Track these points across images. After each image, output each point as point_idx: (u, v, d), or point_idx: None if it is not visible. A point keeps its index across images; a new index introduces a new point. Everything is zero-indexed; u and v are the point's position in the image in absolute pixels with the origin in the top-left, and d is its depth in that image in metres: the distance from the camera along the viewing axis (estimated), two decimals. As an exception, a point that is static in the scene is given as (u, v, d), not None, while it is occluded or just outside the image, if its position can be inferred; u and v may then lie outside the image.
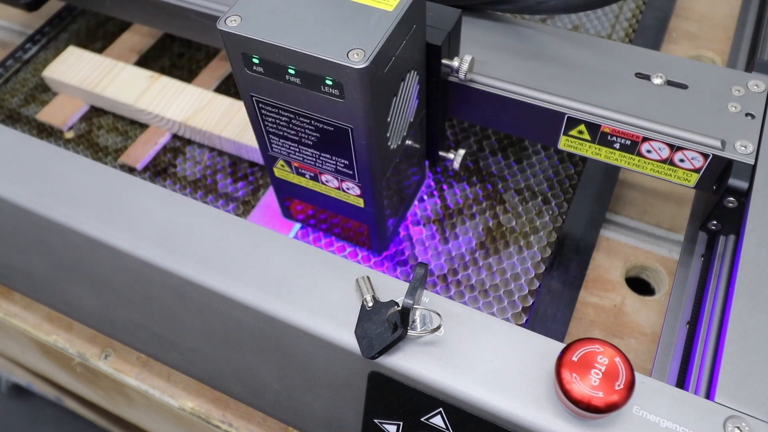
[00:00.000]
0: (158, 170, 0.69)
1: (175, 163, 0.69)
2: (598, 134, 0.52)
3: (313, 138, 0.47)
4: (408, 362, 0.39)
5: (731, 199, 0.48)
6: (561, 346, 0.38)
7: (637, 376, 0.36)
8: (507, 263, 0.59)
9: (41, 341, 0.63)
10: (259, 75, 0.43)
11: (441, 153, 0.59)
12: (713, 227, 0.51)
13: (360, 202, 0.52)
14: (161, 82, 0.72)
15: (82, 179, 0.49)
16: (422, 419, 0.40)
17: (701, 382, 0.42)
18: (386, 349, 0.38)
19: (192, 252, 0.44)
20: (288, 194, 0.57)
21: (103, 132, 0.73)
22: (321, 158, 0.49)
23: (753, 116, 0.51)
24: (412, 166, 0.57)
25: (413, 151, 0.55)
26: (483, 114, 0.56)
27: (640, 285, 0.62)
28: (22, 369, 0.97)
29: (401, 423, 0.42)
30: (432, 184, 0.65)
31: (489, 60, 0.56)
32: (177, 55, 0.79)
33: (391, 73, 0.43)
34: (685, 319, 0.51)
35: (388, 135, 0.47)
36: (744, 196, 0.48)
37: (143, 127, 0.72)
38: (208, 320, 0.46)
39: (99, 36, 0.82)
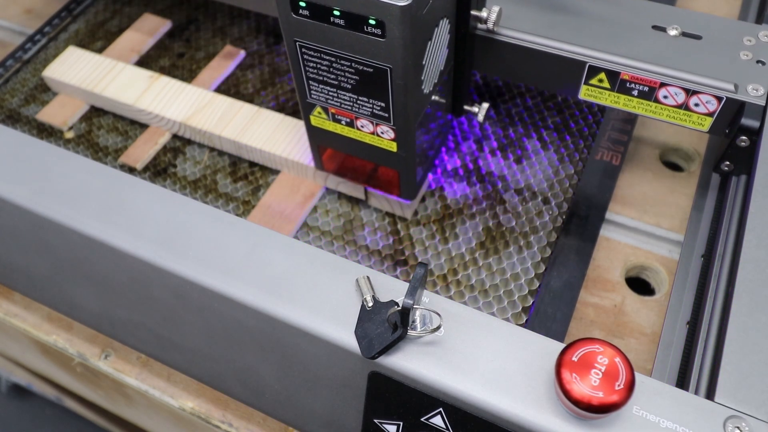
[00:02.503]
0: (158, 170, 0.69)
1: (175, 163, 0.69)
2: (617, 82, 0.55)
3: (352, 81, 0.50)
4: (408, 362, 0.39)
5: (744, 138, 0.52)
6: (561, 346, 0.38)
7: (637, 376, 0.36)
8: (507, 263, 0.59)
9: (41, 341, 0.63)
10: (304, 19, 0.46)
11: (465, 107, 0.62)
12: (726, 168, 0.56)
13: (393, 146, 0.54)
14: (161, 82, 0.72)
15: (82, 179, 0.49)
16: (422, 419, 0.40)
17: (701, 382, 0.42)
18: (386, 349, 0.38)
19: (192, 252, 0.44)
20: (322, 143, 0.59)
21: (103, 132, 0.73)
22: (358, 102, 0.51)
23: (763, 63, 0.55)
24: (440, 118, 0.60)
25: (441, 103, 0.58)
26: (507, 66, 0.60)
27: (640, 285, 0.62)
28: (22, 369, 0.97)
29: (401, 423, 0.42)
30: (432, 184, 0.65)
31: (512, 14, 0.60)
32: (177, 55, 0.79)
33: (428, 17, 0.47)
34: (685, 319, 0.51)
35: (422, 78, 0.50)
36: (756, 135, 0.52)
37: (143, 127, 0.72)
38: (208, 320, 0.46)
39: (99, 36, 0.82)
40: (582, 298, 0.59)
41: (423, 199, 0.64)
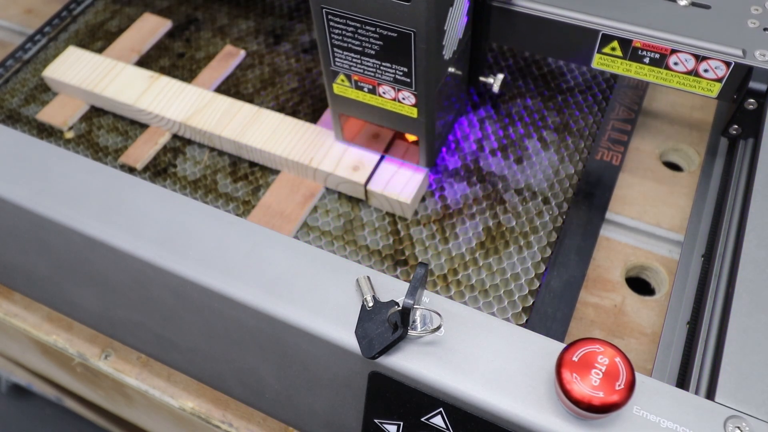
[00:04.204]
0: (158, 170, 0.69)
1: (175, 163, 0.69)
2: (629, 50, 0.58)
3: (376, 47, 0.52)
4: (408, 362, 0.39)
5: (751, 100, 0.55)
6: (561, 346, 0.38)
7: (638, 376, 0.36)
8: (507, 263, 0.59)
9: (41, 341, 0.63)
10: None
11: (481, 78, 0.65)
12: (734, 131, 0.58)
13: (414, 113, 0.56)
14: (161, 82, 0.72)
15: (82, 179, 0.49)
16: (422, 419, 0.40)
17: (702, 382, 0.42)
18: (386, 349, 0.38)
19: (192, 252, 0.44)
20: (344, 112, 0.61)
21: (103, 132, 0.73)
22: (381, 68, 0.54)
23: None
24: (457, 87, 0.63)
25: (459, 75, 0.60)
26: (522, 36, 0.63)
27: (640, 285, 0.62)
28: (22, 369, 0.97)
29: (401, 423, 0.42)
30: (432, 184, 0.65)
31: None
32: (177, 55, 0.79)
33: None
34: (685, 319, 0.51)
35: (443, 43, 0.52)
36: (763, 98, 0.55)
37: (143, 127, 0.72)
38: (208, 320, 0.46)
39: (99, 36, 0.82)
40: (582, 298, 0.59)
41: (423, 199, 0.64)
